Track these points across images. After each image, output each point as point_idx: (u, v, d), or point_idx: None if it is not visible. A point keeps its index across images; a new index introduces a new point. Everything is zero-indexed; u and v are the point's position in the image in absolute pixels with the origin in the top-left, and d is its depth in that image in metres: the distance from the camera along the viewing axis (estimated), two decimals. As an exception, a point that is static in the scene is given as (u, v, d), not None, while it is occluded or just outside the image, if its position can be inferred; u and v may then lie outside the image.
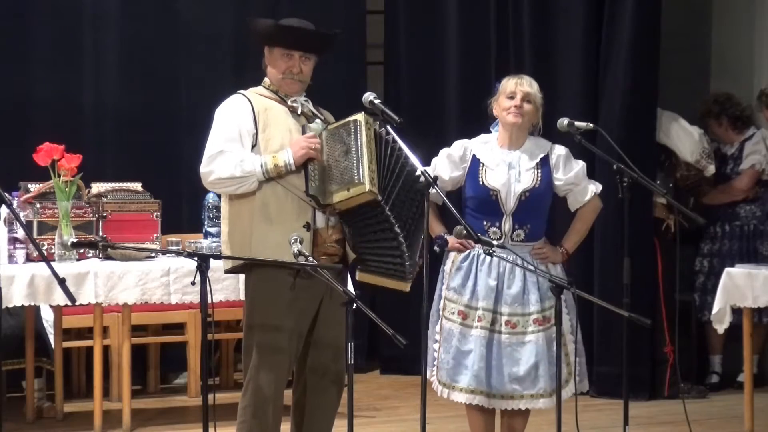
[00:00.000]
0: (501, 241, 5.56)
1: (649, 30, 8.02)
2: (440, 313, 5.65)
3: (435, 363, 5.63)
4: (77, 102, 8.46)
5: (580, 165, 5.75)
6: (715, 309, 6.80)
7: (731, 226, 8.37)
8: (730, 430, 7.14)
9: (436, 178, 5.00)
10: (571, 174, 5.71)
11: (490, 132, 5.77)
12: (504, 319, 5.57)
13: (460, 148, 5.71)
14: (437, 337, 5.64)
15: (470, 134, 5.85)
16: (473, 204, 5.65)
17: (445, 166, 5.68)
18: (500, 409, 5.66)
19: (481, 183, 5.61)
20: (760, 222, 8.33)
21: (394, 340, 4.47)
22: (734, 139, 8.45)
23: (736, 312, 6.80)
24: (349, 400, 4.62)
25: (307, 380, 5.26)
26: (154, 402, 7.92)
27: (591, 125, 5.72)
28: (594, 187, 5.77)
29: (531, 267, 5.49)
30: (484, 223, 5.60)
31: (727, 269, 6.85)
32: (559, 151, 5.72)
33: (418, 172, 5.01)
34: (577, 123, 5.67)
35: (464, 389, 5.56)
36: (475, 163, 5.65)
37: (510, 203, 5.59)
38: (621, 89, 8.00)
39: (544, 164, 5.68)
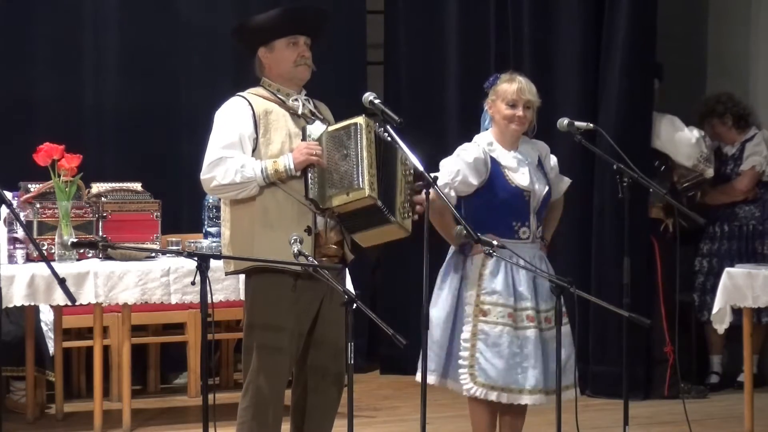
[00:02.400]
0: (530, 240, 5.59)
1: (645, 31, 8.02)
2: (473, 317, 5.55)
3: (466, 370, 5.55)
4: (77, 102, 8.47)
5: (555, 159, 5.82)
6: (715, 309, 6.80)
7: (730, 226, 8.37)
8: (730, 430, 7.14)
9: (435, 178, 4.99)
10: (556, 169, 5.79)
11: (481, 128, 5.77)
12: (543, 315, 5.58)
13: (479, 151, 5.61)
14: (467, 344, 5.53)
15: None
16: (501, 205, 5.59)
17: (472, 172, 5.58)
18: (543, 406, 5.62)
19: (513, 184, 5.58)
20: (759, 222, 8.33)
21: (394, 340, 4.47)
22: (736, 138, 8.45)
23: (736, 312, 6.80)
24: (349, 400, 4.62)
25: (307, 380, 5.26)
26: (154, 402, 7.92)
27: (591, 125, 5.72)
28: (568, 180, 5.84)
29: (529, 266, 5.50)
30: (514, 223, 5.58)
31: (727, 269, 6.85)
32: (545, 146, 5.77)
33: (418, 172, 5.01)
34: (577, 123, 5.67)
35: (530, 390, 5.52)
36: (495, 165, 5.61)
37: (535, 202, 5.61)
38: (617, 90, 8.01)
39: (540, 162, 5.72)
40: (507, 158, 5.63)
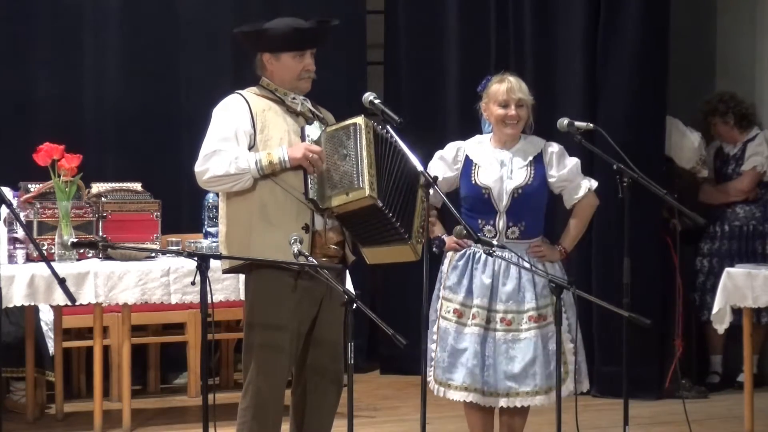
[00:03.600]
0: (496, 238, 5.58)
1: (658, 31, 8.01)
2: (438, 313, 5.68)
3: (432, 363, 5.66)
4: (78, 102, 8.46)
5: (573, 162, 5.76)
6: (715, 309, 6.80)
7: (731, 226, 8.37)
8: (730, 430, 7.14)
9: (435, 178, 5.00)
10: (564, 171, 5.72)
11: (483, 131, 5.80)
12: (499, 316, 5.60)
13: (453, 149, 5.75)
14: (434, 336, 5.67)
15: (470, 134, 5.86)
16: (467, 203, 5.69)
17: (439, 167, 5.71)
18: (496, 406, 5.68)
19: (473, 182, 5.65)
20: (760, 223, 8.34)
21: (394, 340, 4.47)
22: (738, 138, 8.46)
23: (736, 312, 6.80)
24: (349, 400, 4.62)
25: (306, 380, 5.26)
26: (154, 402, 7.92)
27: (591, 125, 5.73)
28: (588, 183, 5.78)
29: (528, 266, 5.50)
30: (479, 221, 5.63)
31: (727, 269, 6.85)
32: (553, 148, 5.73)
33: (419, 172, 5.01)
34: (577, 123, 5.68)
35: (459, 387, 5.60)
36: (468, 163, 5.69)
37: (503, 201, 5.61)
38: (626, 90, 7.99)
39: (538, 161, 5.70)
40: (486, 156, 5.66)
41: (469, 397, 5.60)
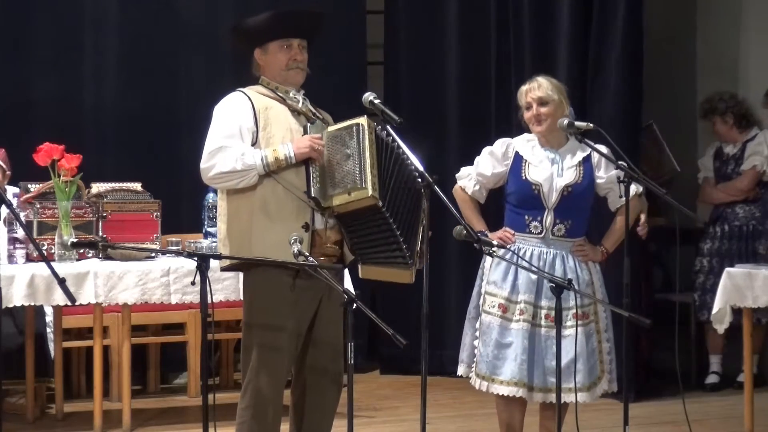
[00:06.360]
0: (542, 235, 5.64)
1: (634, 30, 8.00)
2: (480, 308, 5.70)
3: (475, 359, 5.69)
4: (77, 102, 8.47)
5: (616, 172, 5.74)
6: (714, 309, 6.80)
7: (731, 226, 8.38)
8: (730, 430, 7.14)
9: (436, 179, 5.00)
10: (612, 173, 5.73)
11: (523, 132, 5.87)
12: (544, 312, 5.63)
13: (502, 145, 5.79)
14: (477, 333, 5.69)
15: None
16: (515, 199, 5.72)
17: (488, 162, 5.77)
18: (540, 402, 5.68)
19: (523, 178, 5.69)
20: (760, 222, 8.34)
21: (394, 340, 4.47)
22: (737, 138, 8.47)
23: (736, 312, 6.80)
24: (349, 400, 4.62)
25: (306, 380, 5.26)
26: (154, 402, 7.92)
27: (590, 125, 5.72)
28: (634, 187, 5.71)
29: (527, 264, 5.52)
30: (526, 217, 5.69)
31: (727, 269, 6.85)
32: (601, 149, 5.73)
33: (418, 172, 5.01)
34: (576, 123, 5.67)
35: (507, 382, 5.60)
36: (518, 159, 5.74)
37: (552, 198, 5.66)
38: (611, 91, 8.00)
39: (587, 162, 5.74)
40: (536, 154, 5.72)
41: (518, 393, 5.60)
